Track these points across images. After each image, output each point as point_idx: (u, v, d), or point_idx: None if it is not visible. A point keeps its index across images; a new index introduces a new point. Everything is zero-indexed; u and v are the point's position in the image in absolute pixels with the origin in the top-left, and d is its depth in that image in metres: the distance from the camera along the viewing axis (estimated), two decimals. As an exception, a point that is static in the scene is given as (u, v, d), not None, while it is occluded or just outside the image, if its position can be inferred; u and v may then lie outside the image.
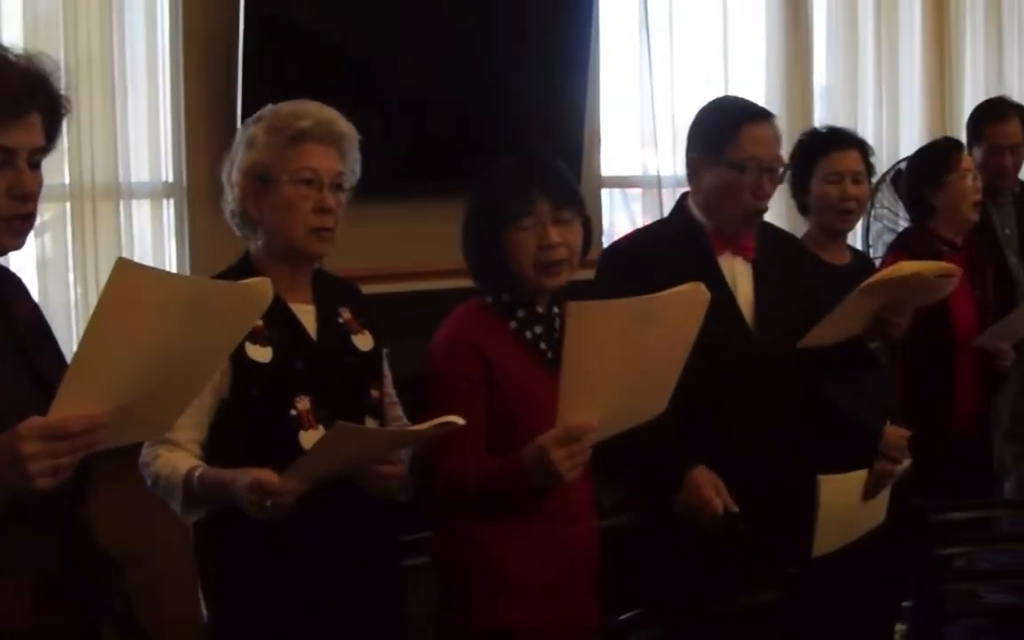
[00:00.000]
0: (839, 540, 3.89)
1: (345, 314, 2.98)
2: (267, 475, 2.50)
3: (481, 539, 2.96)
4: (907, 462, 4.00)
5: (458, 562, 3.02)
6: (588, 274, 3.42)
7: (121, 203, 4.54)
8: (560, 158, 5.03)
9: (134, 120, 4.60)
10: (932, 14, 7.15)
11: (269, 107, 2.92)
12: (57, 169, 4.34)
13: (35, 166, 2.25)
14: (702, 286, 2.77)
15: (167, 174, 4.70)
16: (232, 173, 2.89)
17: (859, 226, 6.36)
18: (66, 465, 2.02)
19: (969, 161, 4.67)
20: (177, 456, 2.68)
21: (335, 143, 2.88)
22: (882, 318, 3.45)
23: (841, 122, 6.08)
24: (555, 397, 2.64)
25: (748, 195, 3.41)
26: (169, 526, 3.03)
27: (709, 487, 3.22)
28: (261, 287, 2.32)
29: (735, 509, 3.22)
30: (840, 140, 4.21)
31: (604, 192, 5.96)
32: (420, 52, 5.09)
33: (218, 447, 2.74)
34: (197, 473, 2.64)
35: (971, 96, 7.27)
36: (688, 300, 2.76)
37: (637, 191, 6.11)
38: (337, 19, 4.86)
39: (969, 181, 4.60)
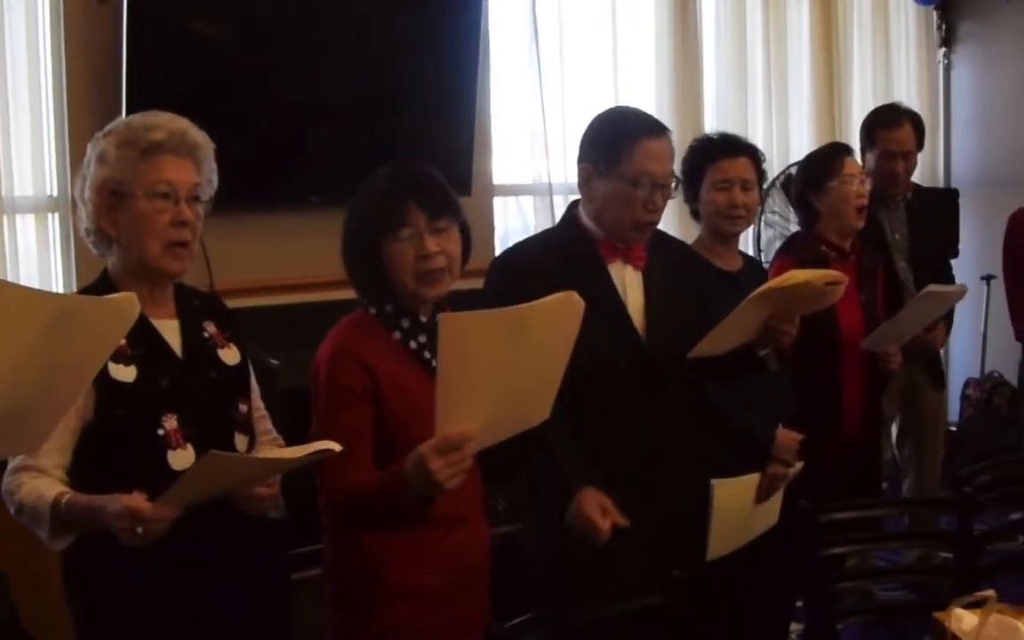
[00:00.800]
0: (733, 543, 3.94)
1: (210, 328, 2.92)
2: (138, 501, 2.43)
3: (369, 547, 2.93)
4: (798, 465, 4.07)
5: (347, 570, 2.99)
6: (475, 283, 3.42)
7: (4, 218, 4.47)
8: (451, 167, 5.12)
9: (16, 133, 4.54)
10: (820, 21, 7.28)
11: (119, 120, 2.86)
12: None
13: None
14: (575, 295, 2.76)
15: (51, 188, 4.62)
16: (84, 190, 2.79)
17: (751, 232, 6.45)
18: None
19: (853, 166, 4.71)
20: (42, 482, 2.58)
21: (190, 154, 2.80)
22: (771, 326, 3.45)
23: (731, 128, 6.15)
24: None
25: (640, 208, 3.40)
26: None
27: (596, 509, 3.24)
28: (126, 302, 2.30)
29: (624, 524, 3.23)
30: (730, 147, 4.21)
31: (497, 200, 5.95)
32: (308, 61, 5.07)
33: (84, 471, 2.65)
34: (65, 499, 2.54)
35: (860, 101, 7.44)
36: (562, 309, 2.74)
37: (529, 198, 6.11)
38: (222, 29, 4.81)
39: (853, 186, 4.63)
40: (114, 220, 2.75)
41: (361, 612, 2.96)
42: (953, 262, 6.03)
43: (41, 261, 4.59)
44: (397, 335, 2.98)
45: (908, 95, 7.53)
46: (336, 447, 2.59)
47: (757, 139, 6.62)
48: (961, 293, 4.78)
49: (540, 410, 2.85)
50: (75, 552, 2.67)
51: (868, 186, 4.74)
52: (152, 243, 2.73)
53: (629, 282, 3.49)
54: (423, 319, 3.00)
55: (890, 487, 6.51)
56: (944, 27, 7.95)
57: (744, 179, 4.14)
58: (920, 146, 5.43)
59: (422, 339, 2.99)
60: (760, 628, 4.45)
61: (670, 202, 3.64)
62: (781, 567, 4.21)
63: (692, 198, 4.23)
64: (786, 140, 7.05)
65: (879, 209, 5.31)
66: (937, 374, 5.65)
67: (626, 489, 3.34)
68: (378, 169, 3.06)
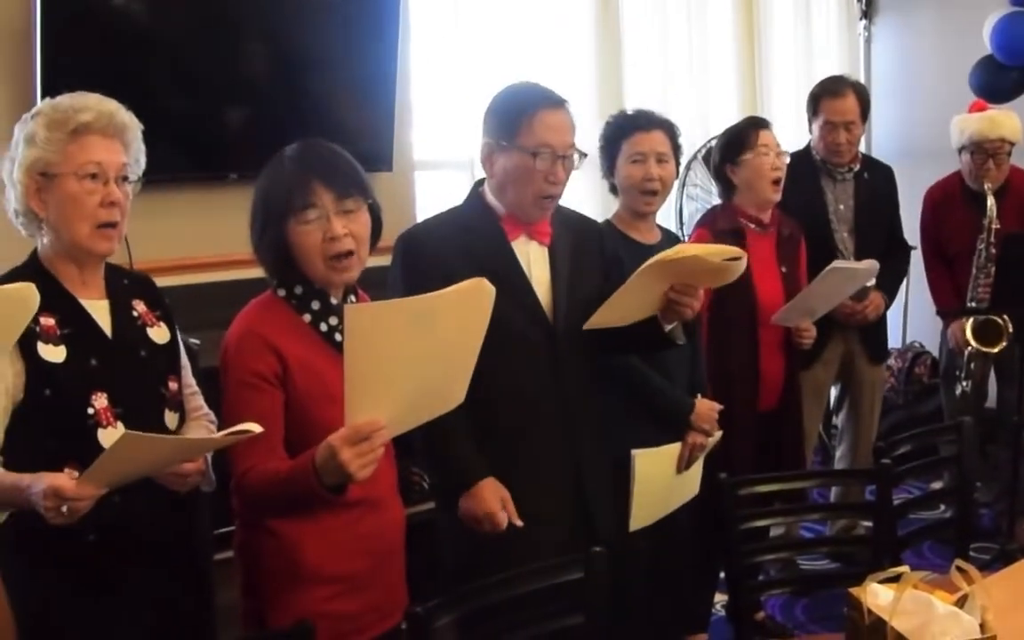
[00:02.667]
0: (655, 514, 3.99)
1: (140, 307, 2.93)
2: (62, 480, 2.45)
3: (283, 532, 2.90)
4: (718, 435, 4.11)
5: (261, 555, 2.95)
6: (385, 260, 3.41)
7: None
8: (372, 142, 5.08)
9: None
10: (742, 7, 7.30)
11: (47, 101, 2.84)
12: None
13: None
14: (485, 281, 2.71)
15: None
16: (13, 171, 2.78)
17: (673, 205, 6.47)
18: None
19: (768, 138, 4.74)
20: None
21: (118, 135, 2.82)
22: (671, 299, 3.41)
23: (652, 102, 6.17)
24: None
25: (540, 181, 3.40)
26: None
27: (497, 501, 3.27)
28: (24, 292, 2.36)
29: (519, 524, 3.27)
30: (644, 121, 4.21)
31: (419, 174, 5.92)
32: (224, 35, 4.98)
33: (16, 451, 2.65)
34: None
35: (780, 74, 7.49)
36: (471, 296, 2.70)
37: (451, 173, 6.08)
38: (135, 9, 4.70)
39: (768, 158, 4.68)
40: (43, 201, 2.76)
41: (274, 599, 2.92)
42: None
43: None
44: (307, 317, 2.95)
45: (829, 67, 7.54)
46: (257, 428, 2.58)
47: (678, 112, 6.62)
48: (871, 270, 4.82)
49: (454, 395, 2.83)
50: (7, 529, 2.68)
51: (785, 159, 4.77)
52: (81, 224, 2.74)
53: (534, 257, 3.49)
54: (334, 301, 2.97)
55: (820, 457, 6.60)
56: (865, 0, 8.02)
57: (659, 152, 4.15)
58: (864, 117, 5.49)
59: (333, 321, 2.95)
60: (684, 601, 4.49)
61: (592, 180, 3.63)
62: (703, 540, 4.26)
63: (609, 173, 4.24)
64: (707, 113, 7.06)
65: (824, 180, 5.42)
66: (876, 346, 5.70)
67: (532, 462, 3.40)
68: (284, 148, 3.01)
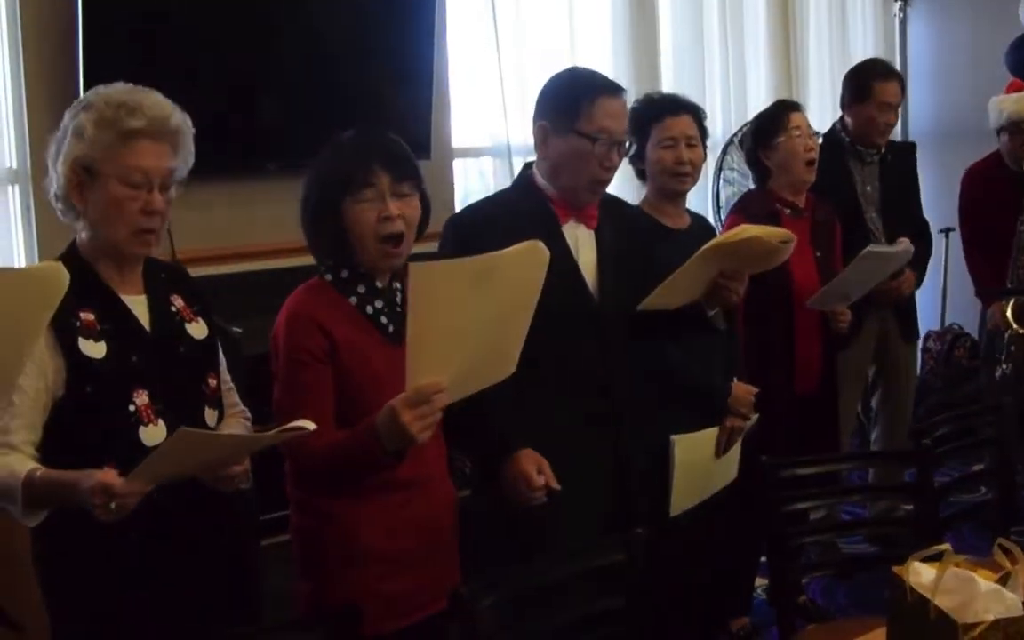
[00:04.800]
0: (695, 497, 4.01)
1: (178, 302, 2.89)
2: (110, 477, 2.43)
3: (336, 512, 2.96)
4: (755, 417, 4.13)
5: (317, 538, 3.01)
6: (431, 246, 3.45)
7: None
8: (410, 130, 5.11)
9: None
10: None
11: (100, 93, 2.75)
12: None
13: None
14: (541, 244, 2.79)
15: (11, 160, 4.56)
16: (58, 160, 2.74)
17: (709, 190, 6.48)
18: None
19: (800, 119, 4.78)
20: (13, 458, 2.56)
21: (168, 139, 2.75)
22: (719, 284, 3.47)
23: (688, 87, 6.21)
24: (397, 371, 2.66)
25: (596, 166, 3.42)
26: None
27: (533, 466, 3.25)
28: (52, 271, 2.31)
29: (557, 489, 3.24)
30: (673, 105, 4.24)
31: (457, 162, 5.96)
32: (263, 26, 5.04)
33: (55, 447, 2.63)
34: (38, 475, 2.52)
35: (816, 56, 7.48)
36: (528, 258, 2.77)
37: (489, 160, 6.11)
38: (175, 1, 4.77)
39: (801, 140, 4.71)
40: (83, 197, 2.70)
41: (331, 579, 2.98)
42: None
43: (2, 234, 4.55)
44: (353, 300, 3.00)
45: (864, 49, 7.58)
46: (310, 425, 2.59)
47: (714, 97, 6.69)
48: (906, 252, 4.82)
49: (507, 364, 2.88)
50: (46, 528, 2.65)
51: (818, 140, 4.80)
52: (120, 227, 2.70)
53: (582, 241, 3.51)
54: (379, 285, 3.01)
55: (859, 440, 6.59)
56: None
57: (688, 136, 4.17)
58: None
59: (378, 304, 3.00)
60: (726, 584, 4.51)
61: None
62: (745, 523, 4.27)
63: (638, 159, 4.25)
64: (743, 97, 7.07)
65: (853, 162, 5.42)
66: (908, 325, 5.71)
67: (576, 443, 3.39)
68: (342, 133, 3.08)
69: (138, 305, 2.79)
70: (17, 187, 4.58)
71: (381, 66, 5.35)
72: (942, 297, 7.61)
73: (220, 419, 2.94)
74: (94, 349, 2.66)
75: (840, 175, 5.36)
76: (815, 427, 4.76)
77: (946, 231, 7.23)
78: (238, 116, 4.94)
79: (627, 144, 3.53)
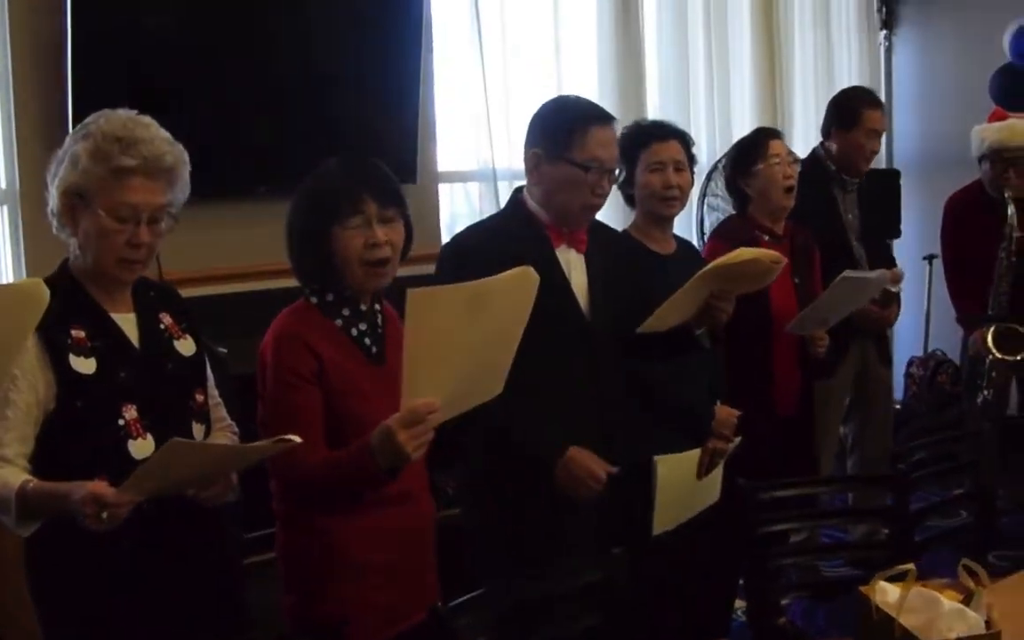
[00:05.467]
0: (677, 517, 4.05)
1: (166, 319, 2.98)
2: (102, 487, 2.51)
3: (323, 528, 3.04)
4: (737, 440, 4.18)
5: (301, 552, 3.10)
6: (420, 269, 3.56)
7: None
8: (397, 154, 5.20)
9: None
10: (761, 4, 7.36)
11: (99, 121, 2.82)
12: None
13: None
14: (531, 270, 2.91)
15: (1, 180, 4.66)
16: (54, 182, 2.82)
17: (693, 216, 6.54)
18: None
19: (779, 147, 4.85)
20: (6, 471, 2.64)
21: (163, 176, 2.82)
22: (710, 305, 3.59)
23: (673, 113, 6.27)
24: (382, 389, 2.81)
25: (588, 193, 3.53)
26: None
27: (591, 460, 3.45)
28: (32, 288, 2.44)
29: (615, 471, 3.45)
30: (661, 131, 4.31)
31: (442, 186, 6.01)
32: (251, 50, 5.16)
33: (48, 460, 2.72)
34: (30, 486, 2.61)
35: (801, 84, 7.57)
36: (519, 283, 2.89)
37: (475, 185, 6.17)
38: (165, 20, 4.88)
39: (780, 167, 4.78)
40: (75, 221, 2.80)
41: (316, 591, 3.07)
42: (896, 242, 6.15)
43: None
44: (338, 323, 3.09)
45: (850, 77, 7.65)
46: (296, 439, 2.67)
47: (699, 122, 6.78)
48: (880, 279, 4.87)
49: (495, 384, 2.99)
50: (38, 537, 2.72)
51: (797, 167, 4.86)
52: (106, 255, 2.79)
53: (573, 265, 3.63)
54: (363, 308, 3.10)
55: (837, 464, 6.63)
56: (885, 9, 8.07)
57: (676, 160, 4.23)
58: None
59: (362, 327, 3.10)
60: (706, 605, 4.55)
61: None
62: (726, 545, 4.31)
63: (627, 184, 4.31)
64: (728, 123, 7.15)
65: (836, 189, 5.48)
66: (886, 350, 5.79)
67: None
68: (326, 160, 3.16)
69: (127, 323, 2.88)
70: (6, 207, 4.66)
71: (368, 91, 5.48)
72: (925, 323, 7.68)
73: (207, 433, 3.02)
74: (84, 365, 2.75)
75: (825, 202, 5.43)
76: (796, 449, 4.82)
77: (929, 258, 7.32)
78: (226, 139, 5.02)
79: (617, 171, 3.65)
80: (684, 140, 4.33)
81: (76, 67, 4.56)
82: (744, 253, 3.57)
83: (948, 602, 2.12)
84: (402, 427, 2.74)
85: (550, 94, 5.86)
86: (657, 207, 4.25)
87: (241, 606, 3.22)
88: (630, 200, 4.36)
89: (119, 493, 2.51)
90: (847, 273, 4.66)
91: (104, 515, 2.50)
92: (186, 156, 2.90)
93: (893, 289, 5.25)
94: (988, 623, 2.15)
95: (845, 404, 5.80)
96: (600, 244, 3.73)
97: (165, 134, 2.86)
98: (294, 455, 2.82)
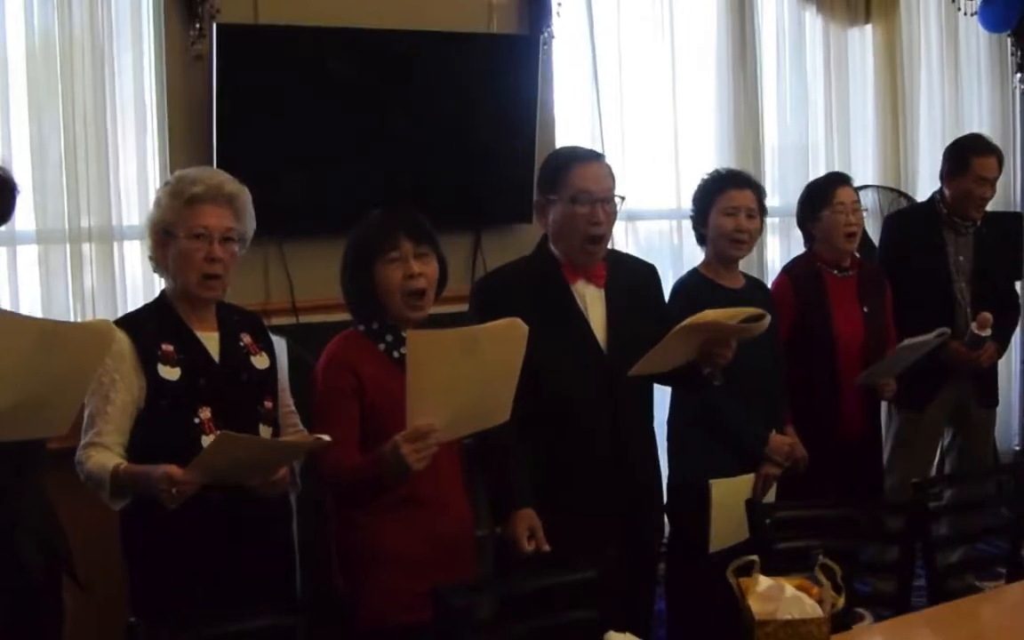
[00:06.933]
0: (733, 538, 4.25)
1: (246, 338, 3.58)
2: (173, 469, 3.09)
3: (367, 524, 3.57)
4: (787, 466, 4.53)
5: (349, 543, 3.62)
6: (450, 308, 4.01)
7: (115, 244, 5.16)
8: (512, 195, 5.61)
9: (124, 171, 5.23)
10: (883, 49, 7.39)
11: (176, 173, 3.56)
12: (57, 214, 5.05)
13: None
14: (519, 321, 3.34)
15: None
16: (147, 228, 3.52)
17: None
18: None
19: (845, 195, 5.12)
20: (105, 455, 3.26)
21: (227, 203, 3.48)
22: (705, 350, 3.86)
23: (791, 165, 6.72)
24: None
25: (584, 223, 3.86)
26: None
27: (525, 532, 3.71)
28: (99, 327, 3.14)
29: (546, 549, 3.69)
30: (737, 180, 4.68)
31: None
32: (375, 108, 5.65)
33: (138, 448, 3.32)
34: (121, 468, 3.22)
35: (928, 129, 7.59)
36: (506, 332, 3.35)
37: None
38: (300, 83, 5.43)
39: (844, 215, 5.06)
40: (164, 253, 3.47)
41: (361, 578, 3.57)
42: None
43: (146, 280, 5.13)
44: (382, 347, 3.60)
45: (980, 122, 7.59)
46: (327, 438, 3.24)
47: (818, 168, 6.83)
48: (940, 337, 5.04)
49: (499, 413, 3.45)
50: (128, 511, 3.36)
51: (860, 215, 5.15)
52: (190, 274, 3.43)
53: (591, 299, 3.95)
54: (404, 334, 3.51)
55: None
56: (1020, 53, 7.92)
57: (749, 208, 4.60)
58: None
59: (403, 350, 3.48)
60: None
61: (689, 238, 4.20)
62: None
63: (701, 223, 4.69)
64: (847, 170, 6.87)
65: (948, 233, 5.67)
66: (987, 391, 5.91)
67: (587, 489, 3.88)
68: (373, 210, 3.70)
69: (210, 340, 3.51)
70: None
71: (488, 136, 5.92)
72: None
73: (275, 435, 3.58)
74: (170, 373, 3.39)
75: (934, 245, 5.63)
76: (858, 474, 5.06)
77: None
78: (352, 175, 5.54)
79: (615, 201, 3.94)
80: (758, 191, 4.69)
81: (220, 119, 5.17)
82: (705, 316, 3.80)
83: (791, 590, 2.51)
84: (405, 442, 3.23)
85: (665, 140, 6.33)
86: (726, 248, 4.60)
87: (290, 579, 3.77)
88: (702, 239, 4.72)
89: (186, 473, 3.08)
90: (905, 342, 4.96)
91: (174, 491, 3.08)
92: (247, 192, 3.55)
93: (982, 334, 5.38)
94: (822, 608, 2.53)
95: (939, 440, 5.98)
96: (621, 276, 4.03)
97: (225, 173, 3.56)
98: (331, 457, 3.39)
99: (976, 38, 7.87)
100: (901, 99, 7.49)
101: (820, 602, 2.54)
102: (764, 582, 2.54)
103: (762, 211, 4.70)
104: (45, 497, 3.37)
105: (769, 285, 5.32)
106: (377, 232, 3.61)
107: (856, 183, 6.70)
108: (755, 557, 2.57)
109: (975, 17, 7.62)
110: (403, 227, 3.60)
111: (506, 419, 3.46)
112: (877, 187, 7.15)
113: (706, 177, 4.78)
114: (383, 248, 3.57)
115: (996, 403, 6.16)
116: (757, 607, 2.49)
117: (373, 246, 3.59)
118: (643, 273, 4.26)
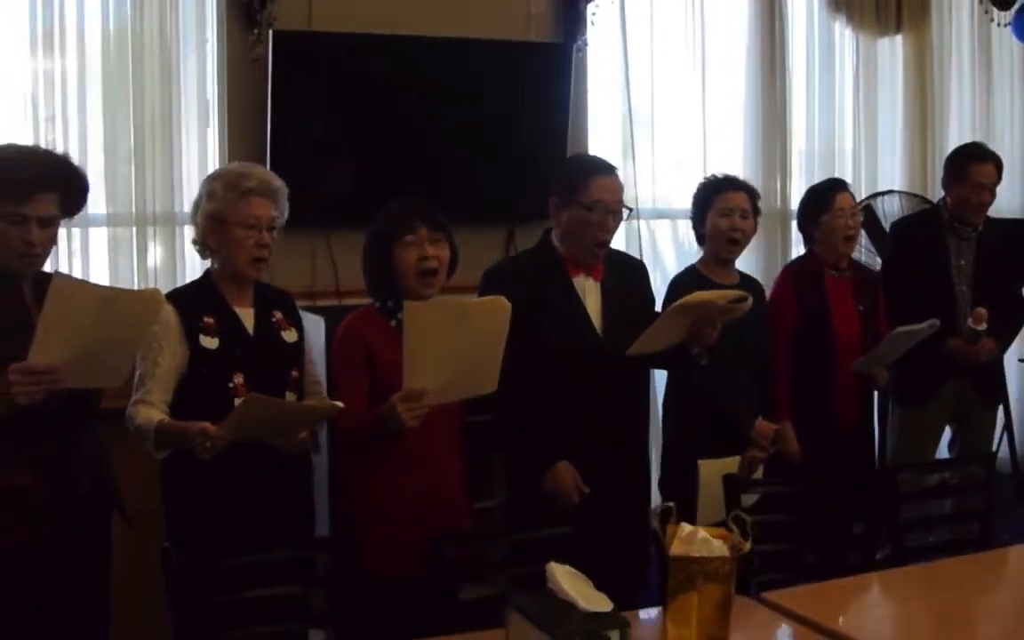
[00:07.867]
0: (716, 515, 4.34)
1: (277, 315, 4.00)
2: (207, 425, 3.53)
3: (367, 483, 3.95)
4: (772, 451, 4.83)
5: (353, 499, 4.03)
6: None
7: (176, 228, 5.58)
8: (546, 193, 5.85)
9: (187, 163, 5.64)
10: (913, 57, 7.54)
11: (223, 167, 4.07)
12: (125, 202, 5.50)
13: (44, 225, 3.52)
14: (503, 299, 3.72)
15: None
16: (198, 215, 3.95)
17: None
18: (35, 391, 3.27)
19: (844, 201, 5.34)
20: (152, 411, 3.72)
21: (271, 196, 3.93)
22: (694, 330, 4.21)
23: (818, 175, 6.77)
24: None
25: (595, 230, 4.26)
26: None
27: (571, 479, 4.17)
28: (153, 294, 3.58)
29: (587, 492, 4.15)
30: (732, 183, 4.98)
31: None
32: (416, 111, 5.98)
33: (180, 407, 3.77)
34: (164, 423, 3.67)
35: (958, 137, 7.53)
36: (492, 307, 3.75)
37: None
38: (346, 86, 5.79)
39: (842, 220, 5.30)
40: (216, 239, 3.90)
41: (360, 528, 3.96)
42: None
43: (203, 261, 5.48)
44: (393, 323, 3.98)
45: (1012, 132, 7.75)
46: (340, 405, 3.69)
47: (845, 175, 6.96)
48: (931, 327, 5.22)
49: (487, 382, 3.81)
50: (171, 461, 3.80)
51: (859, 219, 5.42)
52: (241, 257, 3.88)
53: (589, 290, 4.35)
54: None
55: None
56: None
57: (743, 209, 4.91)
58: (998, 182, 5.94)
59: None
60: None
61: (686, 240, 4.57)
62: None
63: (699, 223, 4.99)
64: (875, 177, 7.40)
65: (950, 238, 5.88)
66: (987, 390, 6.11)
67: (583, 469, 4.23)
68: (393, 198, 4.09)
69: (247, 316, 3.95)
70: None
71: (522, 146, 6.19)
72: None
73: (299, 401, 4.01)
74: (210, 343, 3.85)
75: (937, 249, 5.86)
76: (854, 459, 5.27)
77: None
78: (394, 172, 5.85)
79: (625, 212, 4.34)
80: (752, 193, 4.99)
81: (275, 118, 5.55)
82: (700, 296, 4.19)
83: (704, 535, 2.83)
84: (400, 401, 3.62)
85: (694, 145, 6.61)
86: (721, 248, 4.92)
87: (308, 522, 4.16)
88: (700, 240, 5.03)
89: (218, 430, 3.53)
90: (898, 329, 5.19)
91: (208, 444, 3.51)
92: (285, 186, 3.99)
93: (977, 328, 5.57)
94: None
95: (939, 438, 6.17)
96: (616, 273, 4.39)
97: (270, 172, 4.03)
98: (343, 419, 3.79)
99: (1010, 49, 7.95)
100: (931, 108, 7.60)
101: (732, 547, 2.92)
102: (685, 528, 2.92)
103: (755, 212, 5.00)
104: (99, 442, 3.79)
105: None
106: (397, 217, 4.00)
107: (882, 188, 7.07)
108: (672, 504, 2.95)
109: (1008, 27, 7.71)
110: (420, 214, 3.98)
111: (493, 389, 3.81)
112: (902, 193, 7.27)
113: (703, 181, 5.08)
114: (401, 231, 3.94)
115: (998, 402, 6.36)
116: (676, 548, 2.89)
117: (393, 230, 3.97)
118: (635, 268, 4.70)
